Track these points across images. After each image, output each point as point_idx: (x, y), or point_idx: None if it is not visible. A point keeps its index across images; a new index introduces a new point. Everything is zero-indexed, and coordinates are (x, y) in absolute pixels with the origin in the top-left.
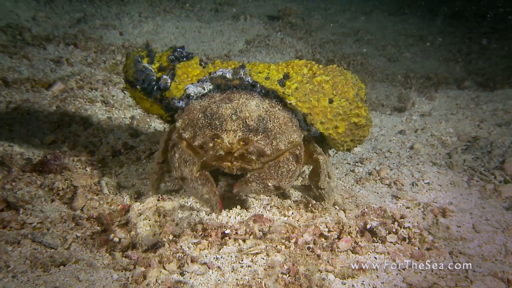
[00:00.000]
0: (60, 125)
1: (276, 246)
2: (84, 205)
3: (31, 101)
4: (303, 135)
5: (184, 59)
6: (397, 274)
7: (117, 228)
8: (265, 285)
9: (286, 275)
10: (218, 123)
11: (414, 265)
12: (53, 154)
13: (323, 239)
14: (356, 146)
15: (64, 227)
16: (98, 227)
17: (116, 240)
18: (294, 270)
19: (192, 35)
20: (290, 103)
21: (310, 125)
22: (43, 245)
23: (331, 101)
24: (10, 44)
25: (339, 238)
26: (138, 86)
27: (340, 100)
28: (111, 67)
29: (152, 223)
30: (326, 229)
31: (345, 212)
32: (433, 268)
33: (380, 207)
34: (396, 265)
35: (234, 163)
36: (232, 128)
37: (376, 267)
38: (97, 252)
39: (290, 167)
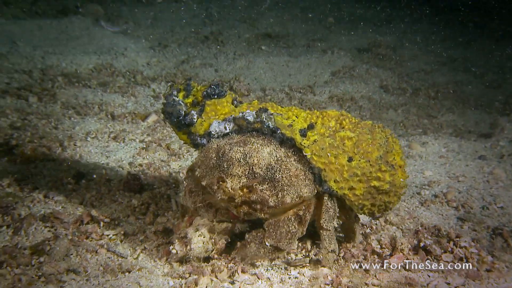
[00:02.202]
0: (147, 150)
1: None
2: (154, 220)
3: (127, 130)
4: (316, 191)
5: (216, 96)
6: None
7: (176, 240)
8: None
9: (329, 285)
10: (226, 166)
11: (469, 285)
12: (133, 175)
13: (375, 255)
14: (381, 212)
15: (134, 239)
16: (163, 240)
17: (174, 251)
18: (337, 281)
19: (280, 69)
20: (306, 155)
21: (324, 182)
22: (116, 254)
23: (350, 160)
24: (125, 85)
25: (391, 255)
26: (167, 120)
27: (360, 160)
28: None
29: (206, 240)
30: (379, 246)
31: (402, 232)
32: None
33: (435, 225)
34: (448, 283)
35: (241, 207)
36: (237, 174)
37: (427, 284)
38: (159, 261)
39: (291, 228)
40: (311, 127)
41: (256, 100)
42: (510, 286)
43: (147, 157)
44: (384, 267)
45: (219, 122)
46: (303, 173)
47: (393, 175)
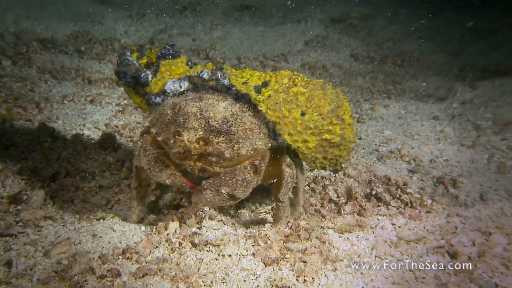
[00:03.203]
0: (123, 112)
1: None
2: (129, 175)
3: (104, 94)
4: (270, 145)
5: (170, 57)
6: (391, 231)
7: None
8: (266, 235)
9: (286, 228)
10: (182, 120)
11: (410, 224)
12: (108, 135)
13: (332, 203)
14: (333, 167)
15: (110, 191)
16: None
17: (147, 201)
18: (296, 224)
19: (256, 39)
20: (261, 110)
21: (278, 135)
22: (91, 204)
23: (303, 114)
24: (102, 53)
25: (346, 203)
26: (121, 79)
27: (312, 114)
28: None
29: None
30: (335, 195)
31: (358, 183)
32: (426, 225)
33: (385, 175)
34: (393, 224)
35: (196, 163)
36: (193, 126)
37: (375, 225)
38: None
39: (246, 176)
40: (265, 84)
41: (211, 63)
42: (442, 222)
43: (123, 119)
44: (340, 213)
45: (174, 80)
46: (257, 127)
47: (343, 129)
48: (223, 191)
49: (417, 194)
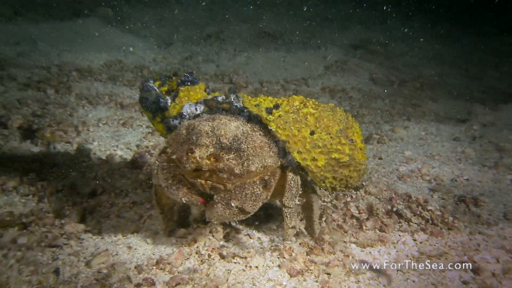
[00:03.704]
0: (153, 134)
1: None
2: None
3: (135, 117)
4: (280, 163)
5: (189, 83)
6: (413, 246)
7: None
8: (290, 248)
9: (311, 240)
10: (194, 138)
11: (431, 240)
12: (140, 154)
13: (354, 219)
14: (344, 188)
15: (142, 207)
16: None
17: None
18: (320, 238)
19: (278, 64)
20: (271, 129)
21: (288, 153)
22: (125, 219)
23: (312, 133)
24: (133, 79)
25: (367, 219)
26: (143, 104)
27: (321, 133)
28: None
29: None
30: (357, 211)
31: (379, 201)
32: (447, 242)
33: (406, 193)
34: (414, 239)
35: (207, 181)
36: (205, 143)
37: (397, 241)
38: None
39: (256, 190)
40: (276, 106)
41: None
42: (464, 239)
43: (153, 140)
44: (362, 229)
45: (190, 104)
46: (267, 145)
47: (352, 150)
48: (233, 205)
49: (438, 211)
